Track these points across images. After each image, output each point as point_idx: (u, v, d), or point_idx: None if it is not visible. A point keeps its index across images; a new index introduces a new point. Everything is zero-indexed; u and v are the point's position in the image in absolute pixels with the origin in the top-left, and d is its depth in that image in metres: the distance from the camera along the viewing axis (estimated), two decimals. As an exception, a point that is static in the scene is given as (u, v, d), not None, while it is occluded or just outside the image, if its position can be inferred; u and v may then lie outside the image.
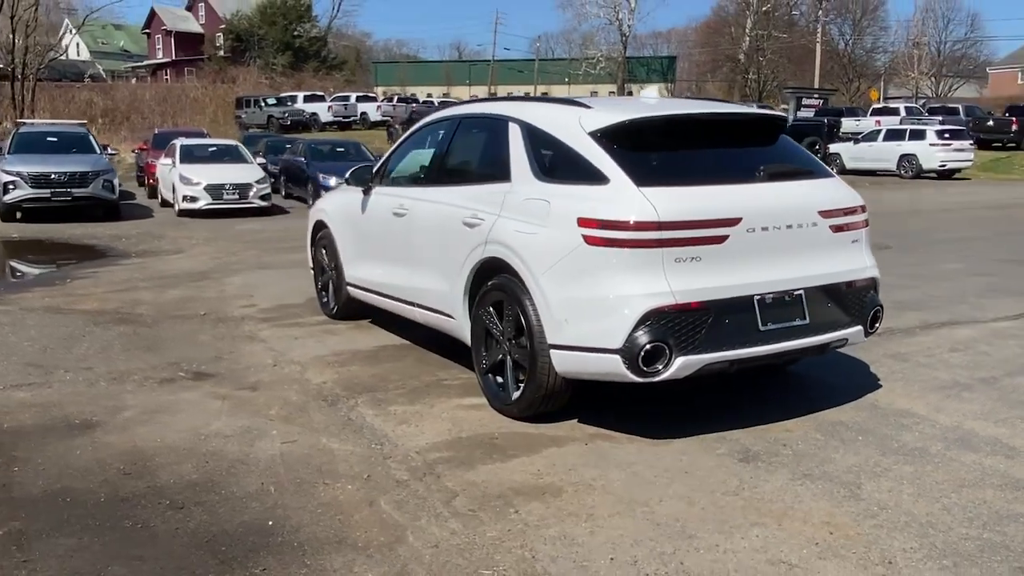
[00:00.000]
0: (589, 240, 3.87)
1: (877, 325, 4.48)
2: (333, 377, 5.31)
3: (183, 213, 16.14)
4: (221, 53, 57.19)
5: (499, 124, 4.80)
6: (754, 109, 4.81)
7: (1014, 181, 26.41)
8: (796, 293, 4.08)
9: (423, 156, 5.64)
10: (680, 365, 3.84)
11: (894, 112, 38.22)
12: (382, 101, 42.93)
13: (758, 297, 3.97)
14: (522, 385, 4.34)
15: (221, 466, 3.91)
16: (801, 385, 5.00)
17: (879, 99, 51.89)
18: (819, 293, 4.16)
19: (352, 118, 40.48)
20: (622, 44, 71.16)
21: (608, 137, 4.12)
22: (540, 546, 3.10)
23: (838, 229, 4.27)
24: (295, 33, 58.07)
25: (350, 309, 6.73)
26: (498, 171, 4.65)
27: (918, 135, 26.51)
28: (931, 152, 25.69)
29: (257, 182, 16.54)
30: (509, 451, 4.04)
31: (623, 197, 3.87)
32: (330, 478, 3.77)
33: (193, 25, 62.91)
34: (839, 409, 4.54)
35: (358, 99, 42.15)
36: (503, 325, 4.45)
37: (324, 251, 6.94)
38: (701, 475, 3.71)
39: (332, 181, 17.59)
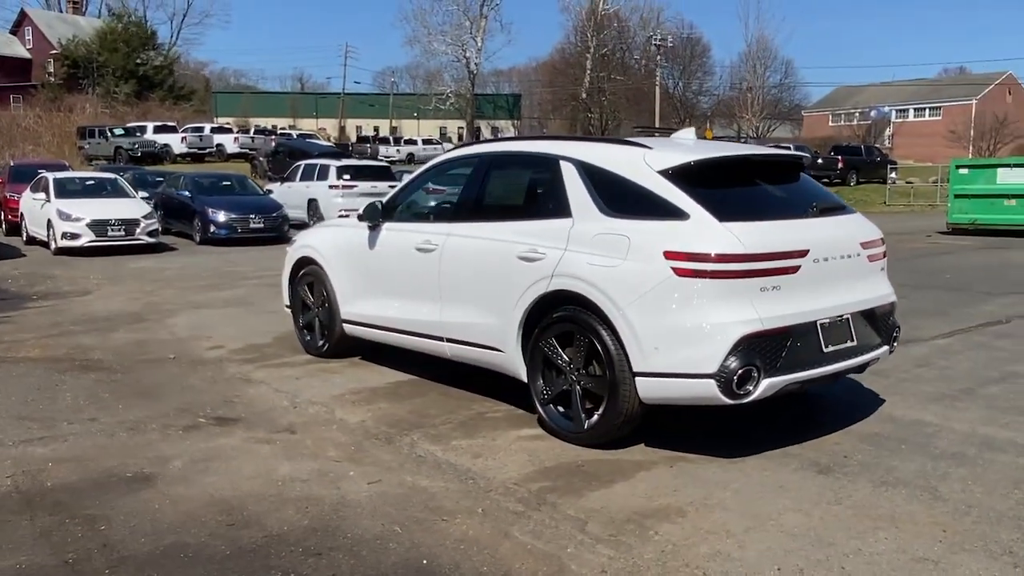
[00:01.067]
0: (680, 272, 4.12)
1: (896, 344, 4.99)
2: (368, 416, 5.24)
3: (60, 251, 15.06)
4: (54, 80, 53.38)
5: (548, 162, 4.97)
6: (786, 151, 5.25)
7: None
8: (846, 317, 4.50)
9: (445, 193, 5.69)
10: (766, 387, 4.14)
11: (736, 150, 41.25)
12: (238, 132, 41.57)
13: (821, 322, 4.35)
14: (596, 414, 4.50)
15: (323, 510, 3.81)
16: (819, 405, 5.44)
17: (712, 138, 55.80)
18: (860, 317, 4.60)
19: (208, 149, 38.98)
20: (470, 81, 72.72)
21: (679, 176, 4.40)
22: (703, 563, 3.27)
23: (872, 259, 4.76)
24: (138, 61, 55.18)
25: (341, 347, 6.63)
26: (553, 207, 4.82)
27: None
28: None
29: (144, 217, 15.70)
30: (604, 477, 4.18)
31: (708, 232, 4.15)
32: (445, 515, 3.77)
33: (19, 49, 58.41)
34: (865, 423, 5.00)
35: (213, 130, 40.61)
36: (572, 356, 4.60)
37: (308, 288, 6.80)
38: (796, 488, 4.01)
39: (222, 216, 17.04)
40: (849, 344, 4.52)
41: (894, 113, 64.17)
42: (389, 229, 5.97)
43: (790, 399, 5.40)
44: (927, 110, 65.07)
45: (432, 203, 6.27)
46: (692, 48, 76.63)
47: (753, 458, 4.42)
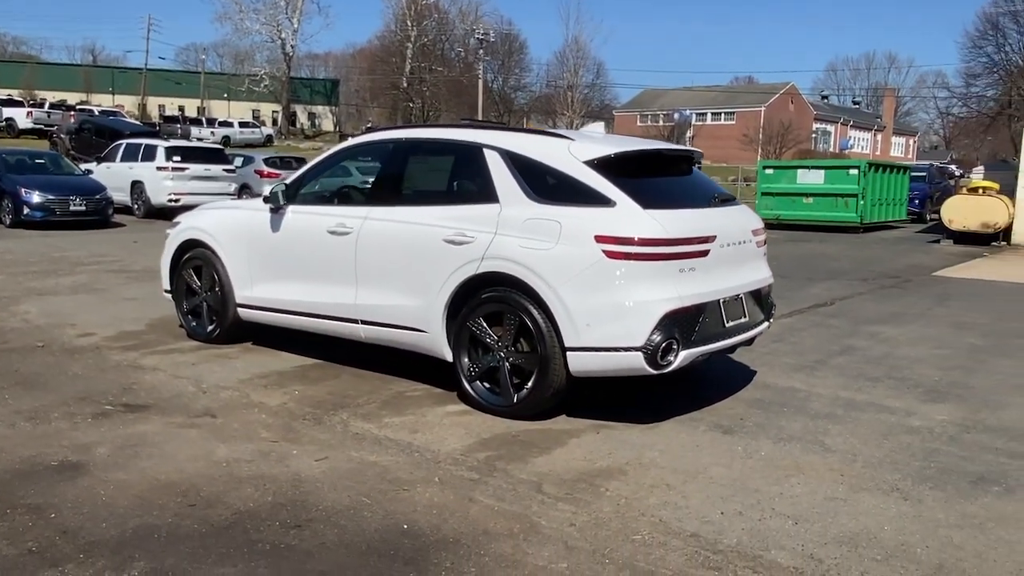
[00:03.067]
0: (610, 255, 4.49)
1: (772, 319, 5.66)
2: (287, 399, 5.24)
3: None
4: None
5: (470, 149, 5.20)
6: (688, 147, 5.77)
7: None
8: (741, 296, 5.07)
9: (358, 177, 5.74)
10: (683, 357, 4.61)
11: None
12: (30, 106, 37.90)
13: (723, 300, 4.89)
14: (526, 388, 4.80)
15: (282, 487, 3.86)
16: (706, 377, 6.03)
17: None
18: (750, 296, 5.20)
19: (-7, 124, 35.28)
20: (286, 64, 70.36)
21: (603, 166, 4.77)
22: (657, 511, 3.67)
23: (759, 245, 5.38)
24: None
25: (233, 332, 6.51)
26: (478, 193, 5.05)
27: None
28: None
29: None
30: (541, 445, 4.49)
31: (634, 218, 4.56)
32: (405, 485, 3.93)
33: None
34: (747, 390, 5.64)
35: (2, 103, 36.77)
36: (500, 334, 4.86)
37: (195, 272, 6.60)
38: (710, 447, 4.51)
39: (36, 197, 15.80)
40: (743, 320, 5.11)
41: (694, 116, 68.97)
42: (295, 212, 5.95)
43: (682, 373, 5.97)
44: (723, 115, 70.58)
45: (343, 187, 6.29)
46: (511, 44, 78.58)
47: (667, 423, 4.90)
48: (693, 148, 5.71)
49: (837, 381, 5.95)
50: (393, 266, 5.33)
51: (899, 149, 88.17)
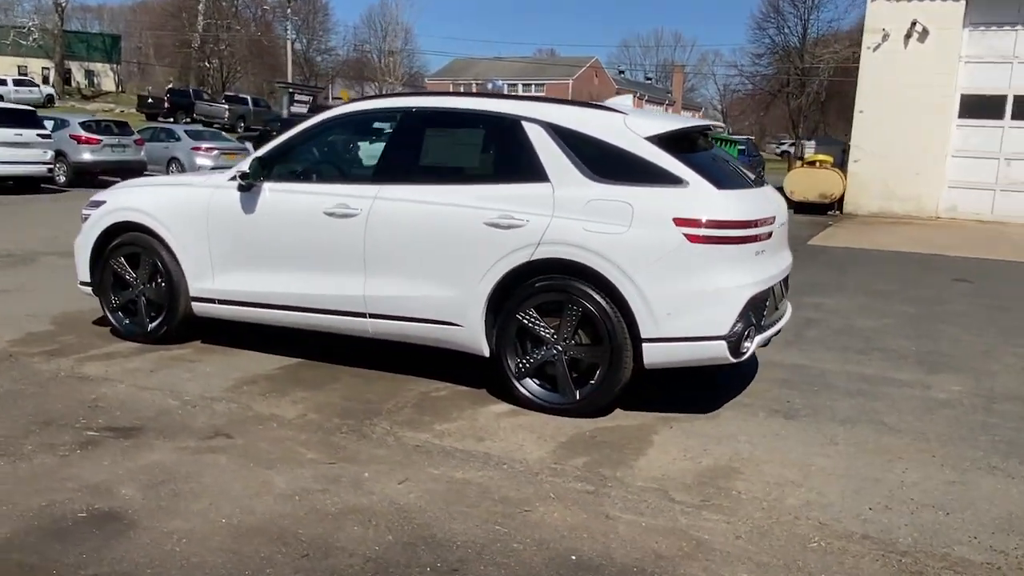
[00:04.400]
0: (692, 238, 4.20)
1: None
2: (301, 409, 4.53)
3: None
4: None
5: (506, 122, 4.68)
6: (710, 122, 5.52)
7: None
8: (783, 280, 4.97)
9: (358, 150, 5.02)
10: (755, 344, 4.44)
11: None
12: None
13: (774, 285, 4.76)
14: (591, 383, 4.43)
15: (394, 521, 3.28)
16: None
17: (350, 100, 55.80)
18: (785, 280, 5.11)
19: None
20: (57, 15, 63.24)
21: (666, 143, 4.45)
22: (808, 512, 3.47)
23: (784, 228, 5.29)
24: None
25: (182, 330, 5.59)
26: (521, 171, 4.56)
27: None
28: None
29: None
30: (628, 445, 4.15)
31: (711, 198, 4.29)
32: (524, 506, 3.47)
33: None
34: (764, 370, 5.58)
35: None
36: (560, 327, 4.45)
37: (127, 261, 5.59)
38: (791, 436, 4.37)
39: None
40: (782, 304, 5.02)
41: (506, 87, 69.66)
42: (274, 190, 5.13)
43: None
44: (533, 86, 71.89)
45: (338, 161, 5.49)
46: (314, 3, 75.10)
47: (724, 411, 4.72)
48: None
49: (831, 355, 6.06)
50: (415, 252, 4.73)
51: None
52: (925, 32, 16.69)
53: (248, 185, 5.15)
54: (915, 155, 16.91)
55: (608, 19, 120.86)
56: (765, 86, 66.46)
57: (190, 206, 5.36)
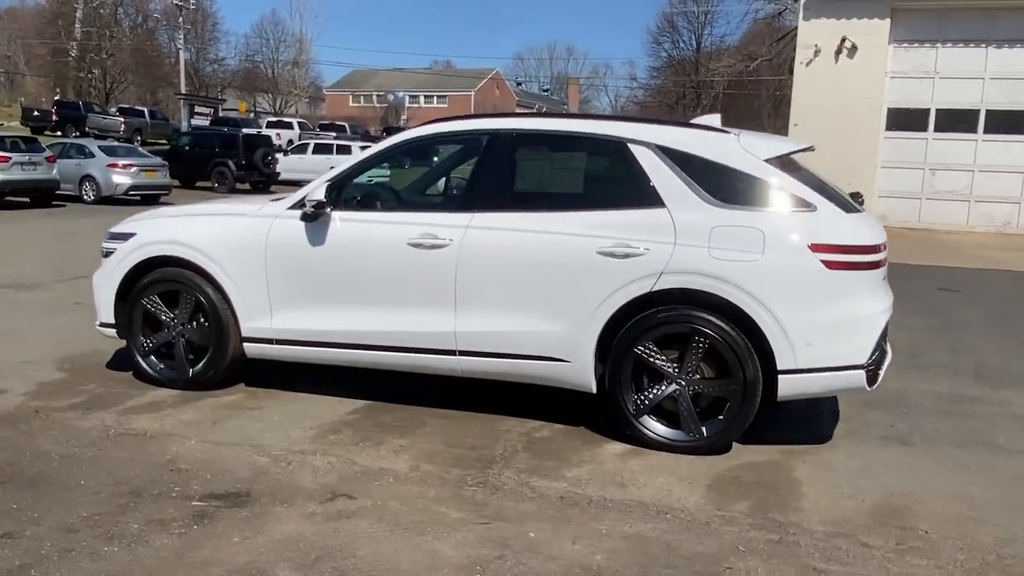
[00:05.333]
0: (829, 264, 4.04)
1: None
2: (407, 458, 4.13)
3: None
4: None
5: (611, 145, 4.42)
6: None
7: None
8: (886, 303, 4.88)
9: (426, 177, 4.62)
10: (884, 371, 4.33)
11: (289, 126, 40.49)
12: None
13: (885, 308, 4.65)
14: (719, 419, 4.21)
15: (600, 592, 2.96)
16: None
17: (247, 111, 53.97)
18: None
19: None
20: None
21: (785, 165, 4.30)
22: (1009, 548, 3.35)
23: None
24: None
25: (230, 374, 5.06)
26: (632, 196, 4.30)
27: (344, 150, 28.82)
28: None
29: None
30: (779, 486, 3.93)
31: (842, 223, 4.15)
32: (720, 562, 3.21)
33: None
34: (874, 395, 5.37)
35: None
36: (683, 360, 4.20)
37: (162, 300, 5.02)
38: (924, 465, 4.27)
39: None
40: (883, 326, 4.94)
41: (407, 99, 68.98)
42: (346, 220, 4.68)
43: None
44: (435, 97, 71.45)
45: (415, 189, 5.06)
46: (201, 11, 72.29)
47: (838, 440, 4.59)
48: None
49: (895, 372, 6.03)
50: (516, 285, 4.39)
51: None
52: (854, 48, 17.37)
53: (315, 215, 4.68)
54: (848, 167, 17.49)
55: (502, 32, 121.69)
56: (663, 98, 68.36)
57: (244, 238, 4.84)
